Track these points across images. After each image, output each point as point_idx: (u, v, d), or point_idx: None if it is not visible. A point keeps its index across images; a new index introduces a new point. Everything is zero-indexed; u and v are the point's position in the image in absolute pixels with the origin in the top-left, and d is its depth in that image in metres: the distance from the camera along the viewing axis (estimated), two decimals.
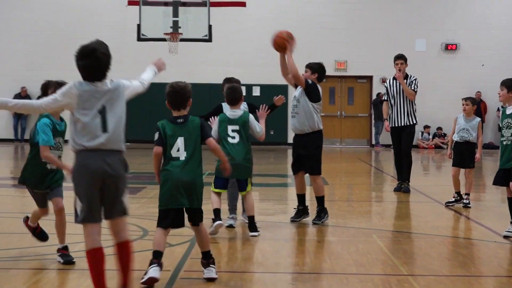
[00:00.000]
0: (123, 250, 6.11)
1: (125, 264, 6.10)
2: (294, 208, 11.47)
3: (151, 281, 7.14)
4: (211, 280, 7.42)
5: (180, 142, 7.42)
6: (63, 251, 8.10)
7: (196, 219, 7.55)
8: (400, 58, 15.57)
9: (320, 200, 11.27)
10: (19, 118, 33.96)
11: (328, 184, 17.02)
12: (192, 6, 28.02)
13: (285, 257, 9.12)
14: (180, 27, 27.44)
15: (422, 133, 33.38)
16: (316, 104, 11.21)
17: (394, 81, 15.56)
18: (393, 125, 15.51)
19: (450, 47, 33.92)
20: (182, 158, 7.43)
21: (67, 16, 33.99)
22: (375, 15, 33.73)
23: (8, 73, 33.97)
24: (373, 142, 33.40)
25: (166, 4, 27.77)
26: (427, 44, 33.83)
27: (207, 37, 27.89)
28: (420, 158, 28.17)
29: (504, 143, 10.20)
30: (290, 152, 25.32)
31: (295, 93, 11.50)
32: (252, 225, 10.18)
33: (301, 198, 11.41)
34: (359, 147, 33.14)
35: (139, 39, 28.16)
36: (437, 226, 11.44)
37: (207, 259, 7.57)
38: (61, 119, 8.12)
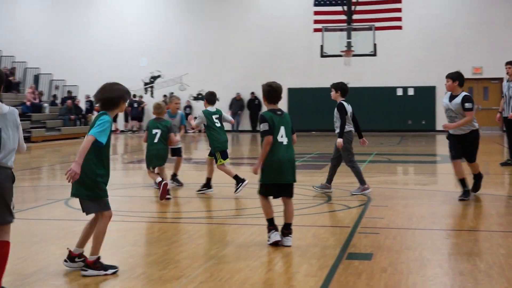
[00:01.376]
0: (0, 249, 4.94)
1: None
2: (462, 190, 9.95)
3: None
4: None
5: (282, 130, 6.80)
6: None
7: (292, 192, 6.91)
8: (508, 63, 14.97)
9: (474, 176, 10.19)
10: (235, 114, 34.53)
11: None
12: (361, 30, 27.81)
13: (440, 218, 8.60)
14: (352, 46, 27.29)
15: None
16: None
17: (506, 81, 14.94)
18: (505, 116, 14.89)
19: None
20: (285, 142, 6.80)
21: (270, 40, 34.38)
22: (503, 30, 32.17)
23: (228, 83, 34.66)
24: (504, 128, 31.72)
25: (341, 30, 27.75)
26: None
27: (372, 53, 27.57)
28: None
29: None
30: (438, 137, 24.36)
31: (450, 106, 9.82)
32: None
33: (462, 182, 9.85)
34: (493, 132, 31.45)
35: (322, 56, 28.18)
36: None
37: (288, 229, 6.82)
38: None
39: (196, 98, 35.03)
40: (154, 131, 10.36)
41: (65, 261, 5.83)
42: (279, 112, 6.90)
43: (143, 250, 6.54)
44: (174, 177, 11.74)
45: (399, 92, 32.88)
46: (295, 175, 6.88)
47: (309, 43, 32.70)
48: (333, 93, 10.63)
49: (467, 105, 9.67)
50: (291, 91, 33.32)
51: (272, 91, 6.96)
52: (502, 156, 17.31)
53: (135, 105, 35.43)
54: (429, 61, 32.03)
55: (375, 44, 27.26)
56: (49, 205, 9.71)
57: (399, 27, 30.89)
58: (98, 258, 5.66)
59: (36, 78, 35.30)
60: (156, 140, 10.32)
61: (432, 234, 7.45)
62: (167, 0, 36.06)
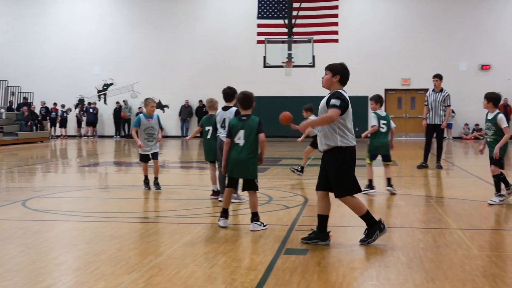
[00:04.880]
0: None
1: None
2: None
3: None
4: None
5: (241, 133, 7.63)
6: None
7: (236, 185, 8.02)
8: (436, 77, 15.54)
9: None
10: (184, 121, 34.51)
11: (398, 164, 16.65)
12: (300, 43, 28.10)
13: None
14: (292, 58, 27.56)
15: (464, 128, 32.55)
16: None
17: (432, 92, 15.53)
18: (430, 123, 15.46)
19: (484, 67, 32.77)
20: (241, 144, 7.63)
21: (216, 52, 34.45)
22: (430, 45, 33.01)
23: (177, 91, 34.64)
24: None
25: (283, 42, 27.98)
26: (468, 65, 32.79)
27: (311, 64, 27.87)
28: (463, 146, 27.26)
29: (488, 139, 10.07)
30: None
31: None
32: None
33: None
34: (419, 139, 32.26)
35: (265, 66, 28.36)
36: (477, 194, 11.00)
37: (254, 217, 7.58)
38: None
39: None
40: (207, 128, 10.24)
41: None
42: (244, 118, 7.67)
43: (96, 248, 6.58)
44: (155, 181, 11.35)
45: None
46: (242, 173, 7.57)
47: (253, 54, 32.94)
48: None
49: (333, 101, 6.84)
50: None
51: (243, 98, 7.81)
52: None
53: (91, 110, 35.08)
54: (363, 72, 32.56)
55: (313, 56, 27.60)
56: (6, 206, 9.62)
57: (336, 40, 31.36)
58: None
59: None
60: (209, 136, 10.17)
61: (362, 230, 7.65)
62: (118, 12, 35.78)
